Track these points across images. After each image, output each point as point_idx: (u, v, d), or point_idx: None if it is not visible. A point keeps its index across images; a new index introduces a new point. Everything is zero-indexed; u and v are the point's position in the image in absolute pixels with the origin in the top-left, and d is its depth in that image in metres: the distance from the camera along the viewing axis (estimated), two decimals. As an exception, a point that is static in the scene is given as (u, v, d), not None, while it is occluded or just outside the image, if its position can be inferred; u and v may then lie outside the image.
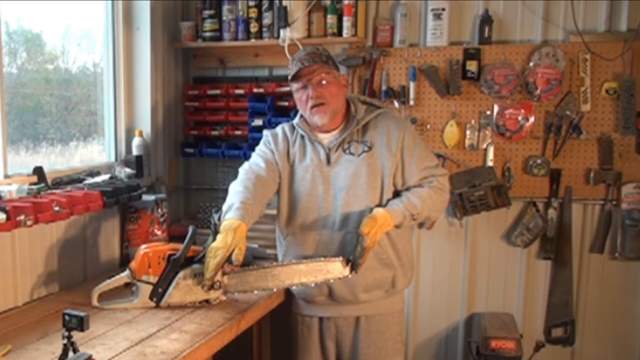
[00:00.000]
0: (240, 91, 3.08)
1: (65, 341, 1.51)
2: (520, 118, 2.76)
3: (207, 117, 3.15)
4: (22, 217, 1.88)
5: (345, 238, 2.08)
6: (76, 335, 1.53)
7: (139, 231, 2.61)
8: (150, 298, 2.02)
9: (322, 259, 2.03)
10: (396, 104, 2.91)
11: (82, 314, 1.49)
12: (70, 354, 1.50)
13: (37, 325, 1.89)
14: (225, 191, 2.06)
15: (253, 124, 3.02)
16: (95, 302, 2.03)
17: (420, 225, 2.93)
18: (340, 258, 2.02)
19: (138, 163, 2.75)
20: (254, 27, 2.96)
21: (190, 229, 2.04)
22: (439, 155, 2.82)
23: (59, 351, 1.53)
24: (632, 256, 2.71)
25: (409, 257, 2.21)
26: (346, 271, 2.01)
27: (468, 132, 2.85)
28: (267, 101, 3.01)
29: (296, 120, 2.19)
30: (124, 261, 2.61)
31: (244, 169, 2.13)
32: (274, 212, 2.22)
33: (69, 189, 2.21)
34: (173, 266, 2.00)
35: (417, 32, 2.93)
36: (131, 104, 2.92)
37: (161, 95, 3.02)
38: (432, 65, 2.85)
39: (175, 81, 3.18)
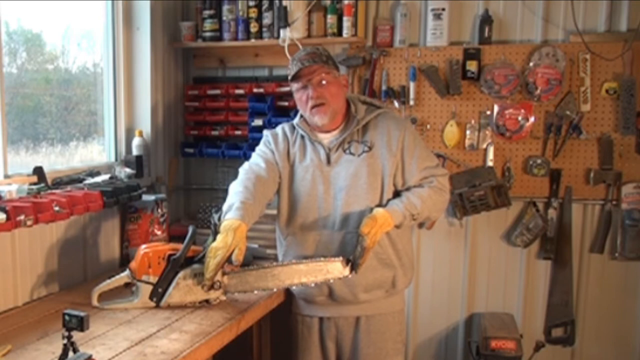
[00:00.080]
0: (240, 91, 3.08)
1: (65, 341, 1.51)
2: (520, 118, 2.76)
3: (207, 117, 3.15)
4: (22, 217, 1.88)
5: (345, 238, 2.08)
6: (76, 335, 1.53)
7: (139, 231, 2.61)
8: (150, 298, 2.02)
9: (322, 259, 2.03)
10: (396, 104, 2.91)
11: (82, 314, 1.49)
12: (70, 354, 1.50)
13: (37, 325, 1.89)
14: (225, 191, 2.06)
15: (253, 124, 3.02)
16: (95, 302, 2.03)
17: (420, 225, 2.93)
18: (340, 258, 2.02)
19: (138, 163, 2.75)
20: (254, 27, 2.96)
21: (190, 229, 2.04)
22: (439, 155, 2.82)
23: (59, 351, 1.53)
24: (632, 256, 2.71)
25: (409, 257, 2.21)
26: (346, 271, 2.01)
27: (468, 132, 2.85)
28: (267, 101, 3.01)
29: (296, 120, 2.19)
30: (124, 261, 2.61)
31: (244, 169, 2.13)
32: (274, 212, 2.22)
33: (69, 189, 2.21)
34: (173, 266, 2.00)
35: (417, 32, 2.93)
36: (131, 104, 2.92)
37: (161, 95, 3.02)
38: (432, 65, 2.85)
39: (175, 81, 3.18)
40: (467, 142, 2.85)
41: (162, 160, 3.08)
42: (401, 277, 2.16)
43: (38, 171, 2.22)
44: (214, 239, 1.88)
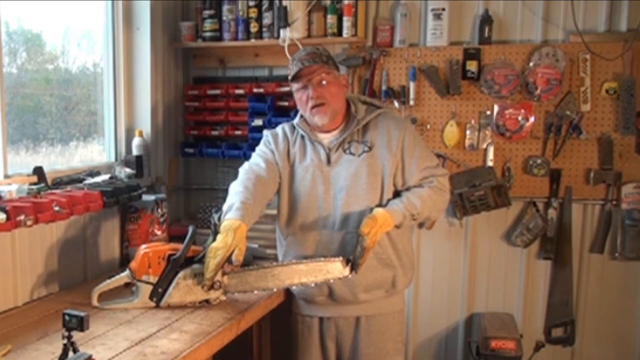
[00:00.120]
0: (240, 91, 3.08)
1: (65, 341, 1.51)
2: (520, 118, 2.76)
3: (207, 117, 3.15)
4: (22, 217, 1.88)
5: (345, 238, 2.08)
6: (76, 335, 1.53)
7: (139, 231, 2.61)
8: (150, 298, 2.02)
9: (322, 259, 2.03)
10: (396, 104, 2.91)
11: (82, 314, 1.49)
12: (70, 354, 1.50)
13: (37, 325, 1.89)
14: (225, 191, 2.06)
15: (253, 124, 3.02)
16: (95, 302, 2.03)
17: (420, 225, 2.93)
18: (340, 258, 2.02)
19: (138, 163, 2.75)
20: (254, 27, 2.96)
21: (190, 229, 2.04)
22: (439, 155, 2.82)
23: (59, 351, 1.53)
24: (632, 256, 2.71)
25: (409, 257, 2.21)
26: (346, 271, 2.01)
27: (468, 132, 2.85)
28: (267, 101, 3.01)
29: (296, 121, 2.19)
30: (124, 261, 2.61)
31: (244, 169, 2.13)
32: (274, 212, 2.22)
33: (69, 189, 2.21)
34: (173, 266, 2.00)
35: (417, 32, 2.93)
36: (131, 104, 2.92)
37: (161, 95, 3.02)
38: (432, 65, 2.85)
39: (175, 81, 3.18)
40: (467, 142, 2.85)
41: (162, 160, 3.08)
42: (401, 277, 2.16)
43: (38, 171, 2.21)
44: (214, 239, 1.88)
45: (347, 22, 2.83)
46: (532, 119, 2.76)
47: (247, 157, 2.32)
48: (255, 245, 2.66)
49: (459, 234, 2.96)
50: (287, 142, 2.19)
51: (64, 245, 2.34)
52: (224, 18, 3.01)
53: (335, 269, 2.01)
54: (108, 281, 2.05)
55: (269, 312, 2.27)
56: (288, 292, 2.29)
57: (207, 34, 3.04)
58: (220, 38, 3.04)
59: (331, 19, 2.86)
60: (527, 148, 2.81)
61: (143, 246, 2.07)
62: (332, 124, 2.12)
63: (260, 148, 2.22)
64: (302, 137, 2.17)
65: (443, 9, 2.81)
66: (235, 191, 2.01)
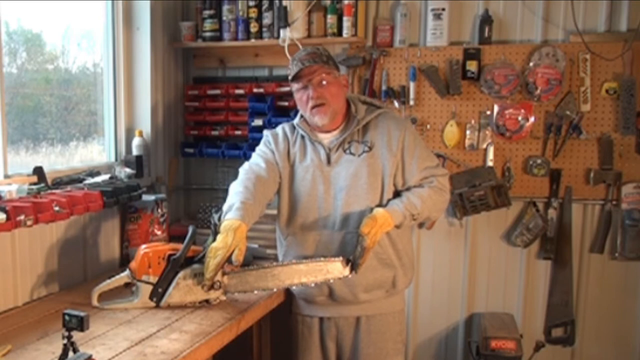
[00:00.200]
0: (240, 91, 3.08)
1: (65, 341, 1.51)
2: (520, 118, 2.76)
3: (207, 117, 3.15)
4: (22, 217, 1.88)
5: (345, 238, 2.08)
6: (76, 335, 1.53)
7: (139, 231, 2.61)
8: (150, 298, 2.02)
9: (322, 259, 2.03)
10: (396, 104, 2.91)
11: (82, 314, 1.49)
12: (70, 354, 1.50)
13: (37, 325, 1.89)
14: (225, 191, 2.06)
15: (253, 124, 3.02)
16: (95, 302, 2.03)
17: (420, 225, 2.93)
18: (340, 258, 2.02)
19: (138, 163, 2.75)
20: (254, 27, 2.96)
21: (190, 229, 2.04)
22: (439, 155, 2.82)
23: (59, 351, 1.53)
24: (632, 256, 2.71)
25: (409, 257, 2.21)
26: (346, 271, 2.01)
27: (468, 132, 2.85)
28: (267, 101, 3.01)
29: (296, 121, 2.19)
30: (124, 261, 2.61)
31: (244, 169, 2.13)
32: (274, 212, 2.22)
33: (69, 189, 2.21)
34: (173, 266, 2.00)
35: (417, 32, 2.93)
36: (131, 104, 2.92)
37: (161, 95, 3.02)
38: (432, 65, 2.85)
39: (175, 81, 3.18)
40: (467, 142, 2.85)
41: (162, 160, 3.08)
42: (401, 277, 2.16)
43: (38, 171, 2.21)
44: (214, 239, 1.88)
45: (347, 22, 2.83)
46: (532, 119, 2.76)
47: (247, 157, 2.32)
48: (255, 245, 2.66)
49: (459, 234, 2.96)
50: (287, 142, 2.19)
51: (64, 245, 2.34)
52: (224, 18, 3.01)
53: (335, 269, 2.01)
54: (108, 281, 2.04)
55: (269, 312, 2.27)
56: (288, 292, 2.29)
57: (207, 34, 3.04)
58: (220, 38, 3.04)
59: (331, 19, 2.86)
60: (527, 148, 2.81)
61: (143, 246, 2.07)
62: (332, 124, 2.12)
63: (261, 148, 2.22)
64: (302, 137, 2.17)
65: (443, 9, 2.81)
66: (236, 191, 2.01)
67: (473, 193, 2.78)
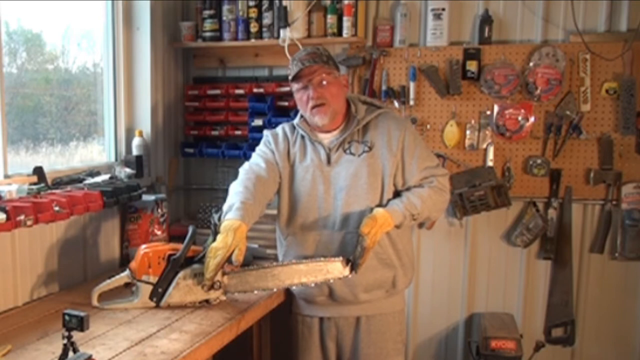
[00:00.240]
0: (240, 91, 3.08)
1: (65, 341, 1.51)
2: (520, 118, 2.76)
3: (207, 117, 3.15)
4: (22, 217, 1.88)
5: (345, 238, 2.08)
6: (76, 335, 1.53)
7: (139, 231, 2.61)
8: (150, 298, 2.02)
9: (322, 259, 2.03)
10: (396, 104, 2.91)
11: (82, 314, 1.49)
12: (70, 354, 1.50)
13: (37, 325, 1.89)
14: (226, 191, 2.06)
15: (253, 124, 3.02)
16: (95, 302, 2.03)
17: (420, 225, 2.93)
18: (340, 258, 2.02)
19: (138, 163, 2.75)
20: (254, 27, 2.96)
21: (190, 229, 2.04)
22: (439, 155, 2.82)
23: (59, 351, 1.53)
24: (632, 256, 2.71)
25: (409, 257, 2.21)
26: (346, 271, 2.01)
27: (468, 132, 2.85)
28: (267, 101, 3.01)
29: (296, 121, 2.19)
30: (124, 261, 2.61)
31: (244, 169, 2.13)
32: (274, 212, 2.22)
33: (69, 189, 2.21)
34: (173, 266, 2.00)
35: (417, 32, 2.93)
36: (131, 104, 2.92)
37: (161, 95, 3.02)
38: (432, 65, 2.85)
39: (175, 81, 3.18)
40: (467, 142, 2.85)
41: (162, 160, 3.08)
42: (401, 277, 2.16)
43: (38, 171, 2.21)
44: (214, 239, 1.88)
45: (347, 22, 2.83)
46: (532, 119, 2.76)
47: (247, 157, 2.32)
48: (255, 245, 2.66)
49: (459, 234, 2.96)
50: (287, 142, 2.19)
51: (64, 245, 2.34)
52: (224, 18, 3.01)
53: (335, 269, 2.01)
54: (108, 281, 2.04)
55: (269, 312, 2.27)
56: (288, 292, 2.29)
57: (207, 34, 3.04)
58: (220, 38, 3.04)
59: (331, 19, 2.86)
60: (527, 148, 2.81)
61: (143, 246, 2.07)
62: (333, 124, 2.12)
63: (261, 148, 2.22)
64: (302, 137, 2.17)
65: (443, 9, 2.81)
66: (236, 191, 2.01)
67: (473, 193, 2.78)
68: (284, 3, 2.85)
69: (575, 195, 2.78)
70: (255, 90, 3.05)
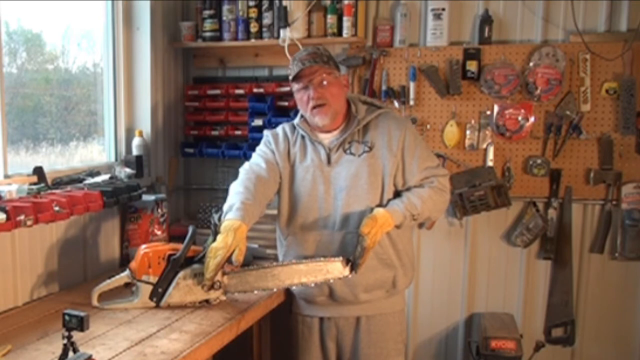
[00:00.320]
0: (240, 91, 3.08)
1: (65, 341, 1.51)
2: (520, 118, 2.76)
3: (207, 117, 3.15)
4: (22, 217, 1.88)
5: (345, 238, 2.08)
6: (76, 335, 1.52)
7: (139, 231, 2.61)
8: (150, 298, 2.02)
9: (322, 259, 2.03)
10: (396, 104, 2.91)
11: (82, 314, 1.49)
12: (70, 354, 1.50)
13: (37, 325, 1.89)
14: (226, 191, 2.06)
15: (253, 124, 3.02)
16: (95, 302, 2.02)
17: (420, 225, 2.93)
18: (341, 258, 2.02)
19: (138, 163, 2.75)
20: (254, 27, 2.96)
21: (190, 229, 2.04)
22: (439, 155, 2.82)
23: (59, 351, 1.53)
24: (632, 256, 2.71)
25: (409, 257, 2.21)
26: (346, 271, 2.01)
27: (468, 132, 2.85)
28: (267, 101, 3.01)
29: (297, 121, 2.19)
30: (124, 261, 2.60)
31: (244, 169, 2.13)
32: (274, 212, 2.22)
33: (69, 189, 2.21)
34: (173, 266, 1.99)
35: (417, 32, 2.93)
36: (131, 104, 2.92)
37: (161, 95, 3.02)
38: (432, 65, 2.85)
39: (175, 81, 3.18)
40: (467, 142, 2.85)
41: (162, 160, 3.08)
42: (402, 277, 2.16)
43: (38, 171, 2.21)
44: (214, 239, 1.88)
45: (347, 22, 2.83)
46: (532, 119, 2.76)
47: (247, 157, 2.32)
48: (255, 245, 2.66)
49: (459, 234, 2.96)
50: (288, 142, 2.19)
51: (64, 245, 2.34)
52: (224, 18, 3.01)
53: (335, 269, 2.01)
54: (108, 281, 2.04)
55: (269, 312, 2.27)
56: (288, 292, 2.29)
57: (207, 34, 3.04)
58: (220, 38, 3.04)
59: (331, 19, 2.86)
60: (527, 148, 2.81)
61: (143, 246, 2.07)
62: (333, 124, 2.12)
63: (261, 148, 2.22)
64: (303, 137, 2.17)
65: (443, 9, 2.81)
66: (236, 191, 2.01)
67: (473, 193, 2.78)
68: (284, 3, 2.85)
69: (575, 195, 2.78)
70: (255, 90, 3.05)
